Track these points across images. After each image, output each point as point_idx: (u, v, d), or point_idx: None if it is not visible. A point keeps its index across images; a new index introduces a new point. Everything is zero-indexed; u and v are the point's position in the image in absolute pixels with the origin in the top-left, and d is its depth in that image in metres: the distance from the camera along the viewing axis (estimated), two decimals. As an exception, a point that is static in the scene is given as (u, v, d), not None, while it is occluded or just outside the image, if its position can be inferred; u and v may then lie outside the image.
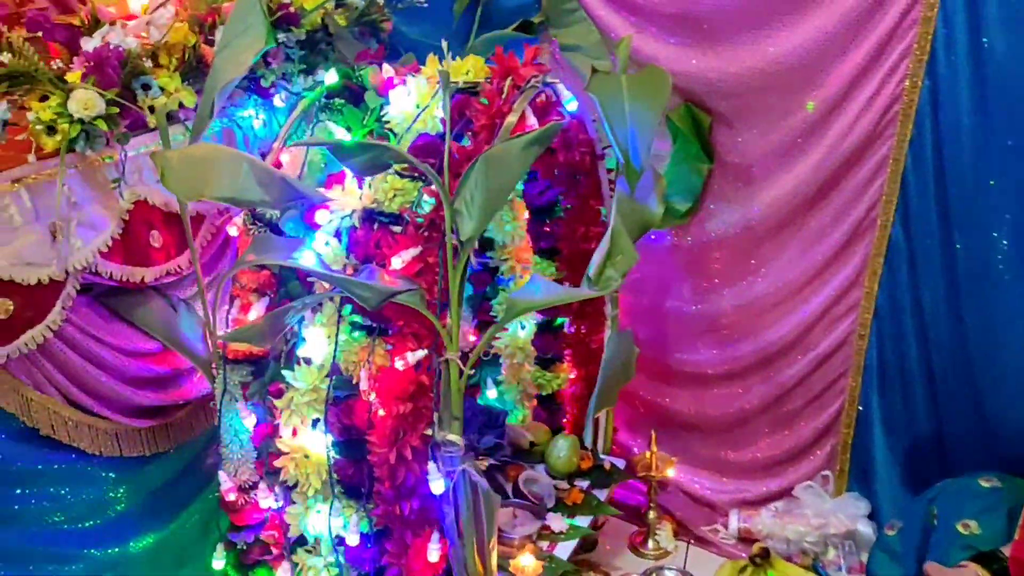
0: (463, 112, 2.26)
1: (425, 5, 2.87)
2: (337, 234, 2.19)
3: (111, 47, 1.98)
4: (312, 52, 2.63)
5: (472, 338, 3.27)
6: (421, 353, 2.08)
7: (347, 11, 2.78)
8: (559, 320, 3.06)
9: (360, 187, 2.21)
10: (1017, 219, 2.37)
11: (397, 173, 2.14)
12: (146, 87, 2.16)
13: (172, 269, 2.30)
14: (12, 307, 1.91)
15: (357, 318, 2.14)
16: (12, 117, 1.95)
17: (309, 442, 2.21)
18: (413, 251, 2.07)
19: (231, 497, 2.37)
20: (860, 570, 2.79)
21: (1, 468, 2.06)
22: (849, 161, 2.60)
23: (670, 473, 2.95)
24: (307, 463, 2.24)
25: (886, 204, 2.60)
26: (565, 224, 2.82)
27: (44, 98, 1.98)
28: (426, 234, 2.09)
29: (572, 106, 2.44)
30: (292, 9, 2.48)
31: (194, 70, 2.25)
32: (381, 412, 2.06)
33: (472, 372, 3.33)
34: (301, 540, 2.33)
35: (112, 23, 2.07)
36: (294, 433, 2.22)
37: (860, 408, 2.86)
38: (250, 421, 2.30)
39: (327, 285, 2.13)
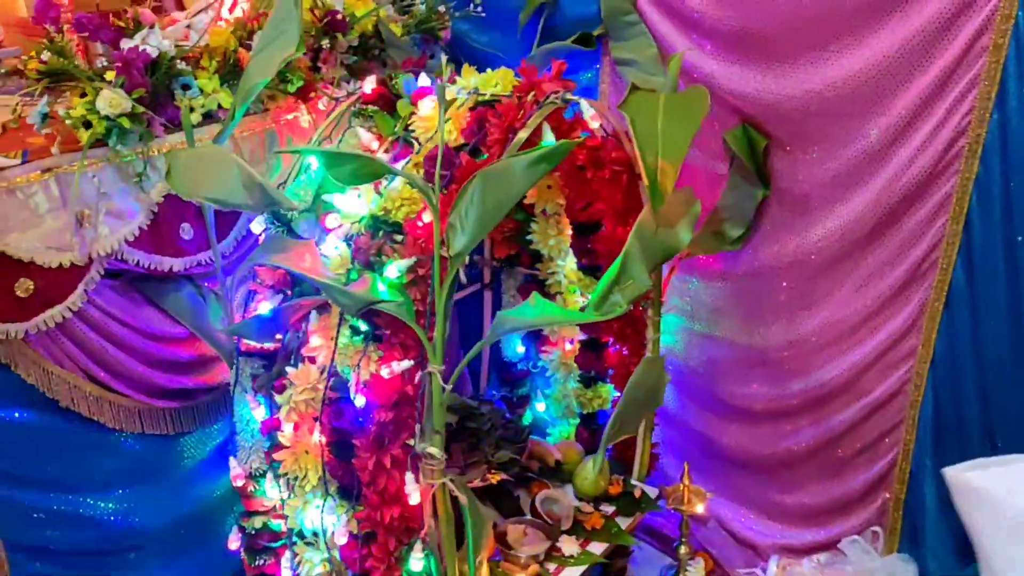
0: (483, 125, 2.25)
1: (483, 14, 2.87)
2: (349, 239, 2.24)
3: (139, 50, 2.09)
4: (365, 58, 2.69)
5: (521, 349, 3.26)
6: (407, 363, 2.09)
7: (410, 17, 2.83)
8: (602, 339, 2.99)
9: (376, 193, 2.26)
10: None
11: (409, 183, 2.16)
12: (186, 87, 2.28)
13: (203, 260, 2.42)
14: (32, 287, 2.06)
15: (356, 323, 2.17)
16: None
17: (309, 438, 2.27)
18: (408, 262, 2.08)
19: (239, 484, 2.46)
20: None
21: (25, 435, 2.23)
22: (910, 197, 2.39)
23: (699, 509, 2.82)
24: (306, 459, 2.30)
25: (948, 246, 2.37)
26: (606, 241, 2.75)
27: (84, 95, 2.13)
28: (424, 245, 2.10)
29: (594, 124, 2.37)
30: (341, 16, 2.54)
31: (233, 73, 2.35)
32: (360, 419, 2.09)
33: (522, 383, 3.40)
34: (302, 532, 2.40)
35: (151, 26, 2.19)
36: (296, 428, 2.29)
37: (913, 464, 2.64)
38: (259, 412, 2.38)
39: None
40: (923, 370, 2.54)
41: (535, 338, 3.17)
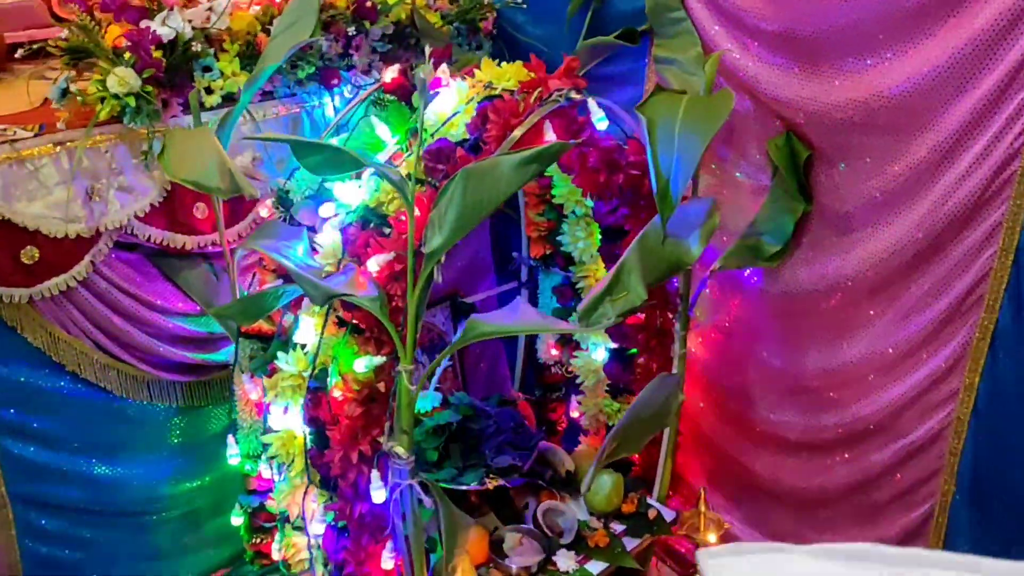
0: (487, 120, 2.18)
1: (524, 5, 2.79)
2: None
3: (150, 30, 2.14)
4: (400, 46, 2.67)
5: (554, 352, 3.17)
6: (379, 360, 2.06)
7: (452, 7, 2.78)
8: (632, 350, 2.86)
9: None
10: None
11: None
12: (207, 69, 2.32)
13: (217, 240, 2.46)
14: (37, 254, 2.15)
15: (339, 314, 2.16)
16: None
17: (295, 424, 2.28)
18: (387, 256, 2.04)
19: (236, 463, 2.50)
20: None
21: (36, 394, 2.34)
22: (956, 223, 2.15)
23: (711, 539, 2.66)
24: (293, 443, 2.31)
25: (995, 281, 2.12)
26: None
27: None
28: (406, 240, 2.05)
29: (602, 125, 2.25)
30: (370, 4, 2.52)
31: (254, 56, 2.38)
32: (331, 411, 2.07)
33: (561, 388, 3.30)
34: (289, 516, 2.42)
35: (171, 8, 2.24)
36: (285, 412, 2.30)
37: (949, 518, 2.39)
38: (255, 394, 2.41)
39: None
40: (964, 416, 2.28)
41: (569, 342, 3.08)
